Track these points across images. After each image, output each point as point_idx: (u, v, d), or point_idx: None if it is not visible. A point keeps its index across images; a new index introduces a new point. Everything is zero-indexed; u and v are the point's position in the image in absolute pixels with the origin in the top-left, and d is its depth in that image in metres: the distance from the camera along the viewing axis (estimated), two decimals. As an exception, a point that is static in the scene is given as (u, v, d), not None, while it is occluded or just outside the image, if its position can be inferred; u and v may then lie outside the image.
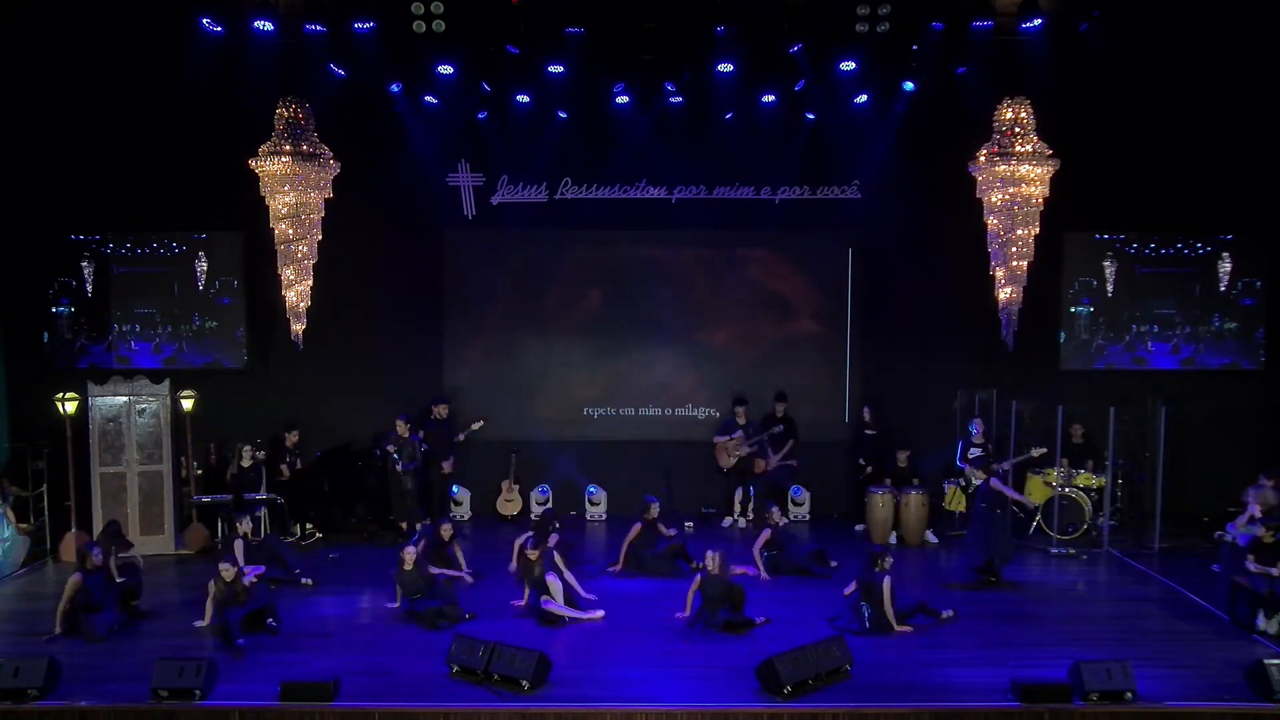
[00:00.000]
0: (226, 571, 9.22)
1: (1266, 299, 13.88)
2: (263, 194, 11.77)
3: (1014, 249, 11.76)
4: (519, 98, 12.93)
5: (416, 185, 13.70)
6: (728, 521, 13.48)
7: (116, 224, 13.84)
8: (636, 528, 11.34)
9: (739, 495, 13.46)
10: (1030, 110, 11.50)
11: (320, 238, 12.11)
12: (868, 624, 9.16)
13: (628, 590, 10.50)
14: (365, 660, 8.51)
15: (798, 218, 13.98)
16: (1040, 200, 11.58)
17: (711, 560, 9.38)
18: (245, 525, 10.79)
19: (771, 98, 12.96)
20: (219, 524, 12.47)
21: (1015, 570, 11.07)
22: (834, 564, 11.13)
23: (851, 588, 9.49)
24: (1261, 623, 9.14)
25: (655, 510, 11.39)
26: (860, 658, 8.25)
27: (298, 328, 12.35)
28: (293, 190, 11.67)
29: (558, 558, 10.00)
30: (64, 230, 13.81)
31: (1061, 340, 14.02)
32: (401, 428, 12.50)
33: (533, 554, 9.75)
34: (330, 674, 7.81)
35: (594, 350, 14.21)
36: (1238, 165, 13.35)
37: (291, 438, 12.78)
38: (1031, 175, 11.41)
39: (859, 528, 13.04)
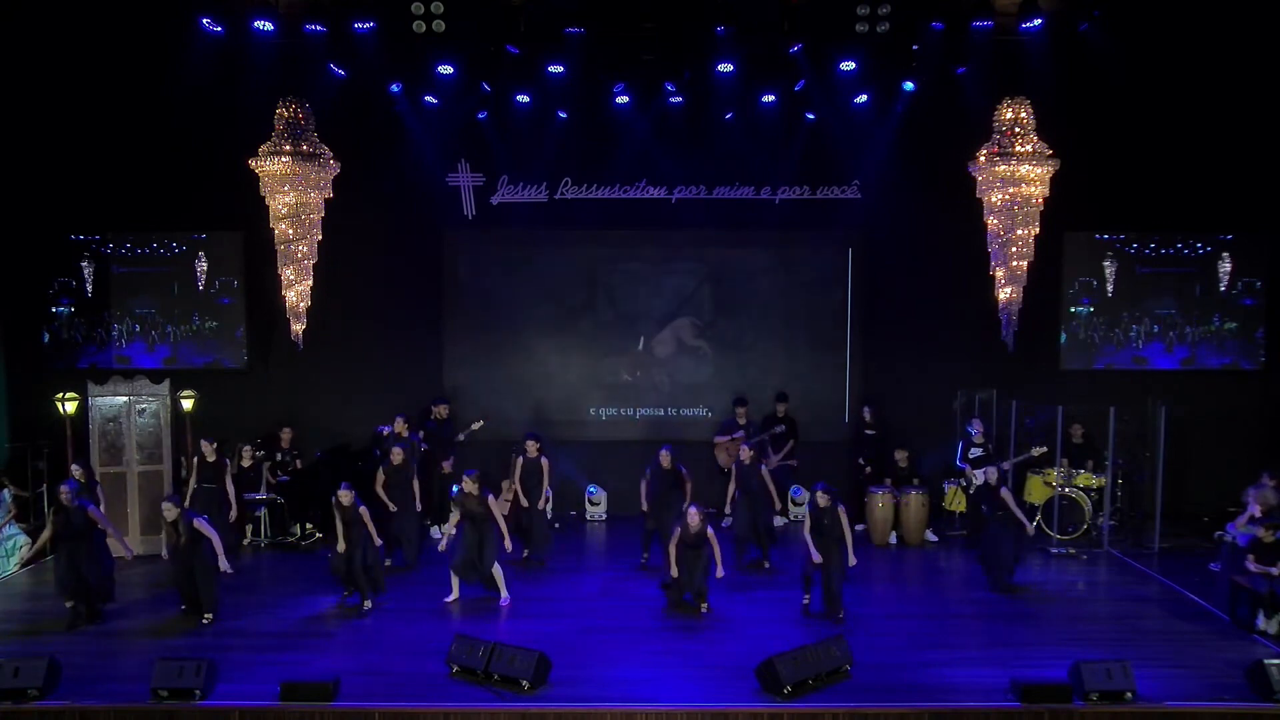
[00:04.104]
0: (169, 511, 9.42)
1: (1266, 299, 13.87)
2: (263, 194, 11.79)
3: (1014, 249, 11.77)
4: (519, 98, 12.92)
5: (416, 185, 13.71)
6: (728, 522, 13.46)
7: (116, 224, 13.85)
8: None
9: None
10: (1030, 110, 11.52)
11: (320, 238, 12.13)
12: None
13: (627, 590, 10.50)
14: (365, 660, 8.51)
15: (798, 218, 13.98)
16: (1040, 200, 11.60)
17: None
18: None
19: (771, 98, 12.96)
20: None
21: (1015, 570, 11.09)
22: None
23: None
24: (1261, 623, 9.14)
25: (667, 458, 11.29)
26: (860, 658, 8.25)
27: (298, 328, 12.37)
28: (293, 190, 11.69)
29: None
30: (64, 230, 13.82)
31: (1062, 340, 14.02)
32: (400, 425, 12.46)
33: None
34: (330, 674, 7.81)
35: (594, 350, 14.21)
36: (1237, 165, 13.35)
37: (286, 436, 12.78)
38: (1031, 175, 11.44)
39: (859, 527, 13.01)
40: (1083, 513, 12.29)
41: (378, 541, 9.96)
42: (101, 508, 10.27)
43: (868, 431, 13.38)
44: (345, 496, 9.77)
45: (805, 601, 9.81)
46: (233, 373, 13.98)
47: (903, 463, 12.75)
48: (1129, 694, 7.60)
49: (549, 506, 13.72)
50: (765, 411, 13.52)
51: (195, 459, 11.26)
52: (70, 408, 11.97)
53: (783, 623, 9.43)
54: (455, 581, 10.09)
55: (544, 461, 11.51)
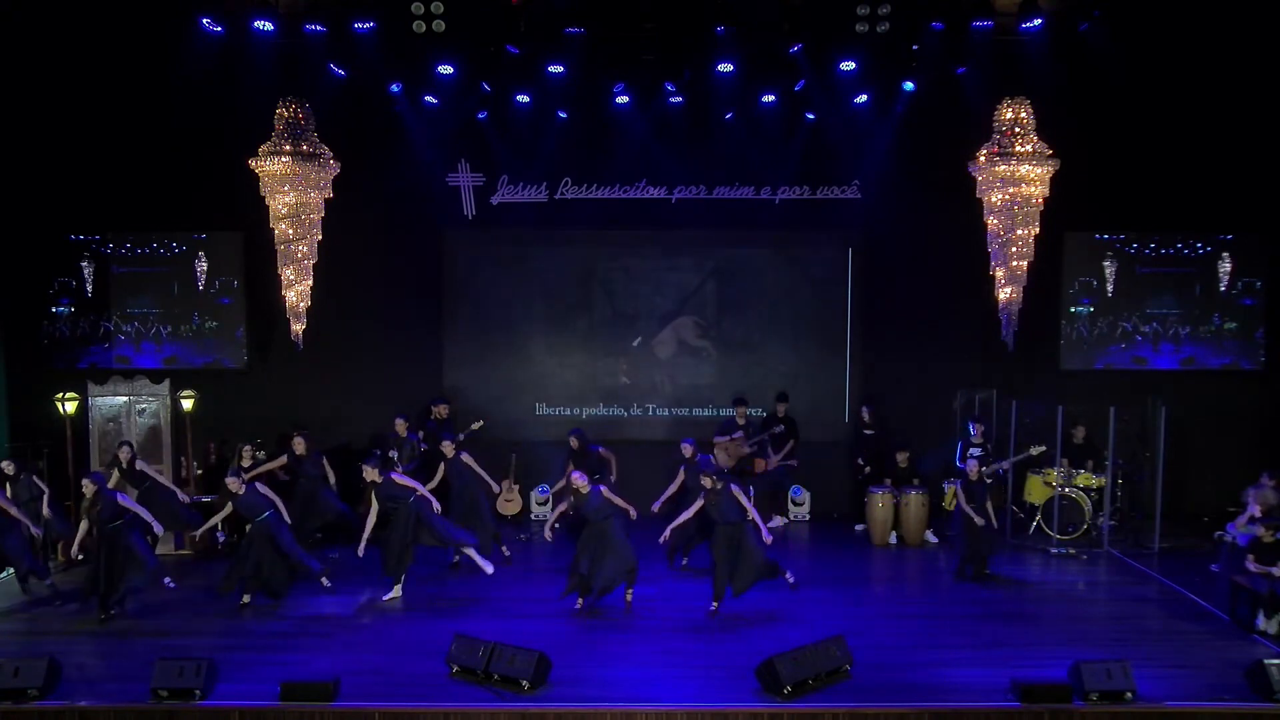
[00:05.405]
0: (87, 487, 9.51)
1: (1266, 299, 13.87)
2: (263, 194, 11.79)
3: (1014, 249, 11.77)
4: (519, 98, 12.93)
5: (416, 185, 13.71)
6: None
7: (116, 224, 13.86)
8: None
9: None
10: (1030, 110, 11.53)
11: (320, 238, 12.13)
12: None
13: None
14: (365, 660, 8.51)
15: (798, 218, 13.98)
16: (1040, 200, 11.61)
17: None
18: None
19: (771, 98, 12.97)
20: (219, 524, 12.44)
21: (1015, 570, 11.11)
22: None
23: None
24: (1261, 623, 9.13)
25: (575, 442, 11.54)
26: (860, 658, 8.25)
27: (298, 328, 12.37)
28: (293, 190, 11.70)
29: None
30: (64, 230, 13.83)
31: (1061, 340, 14.02)
32: (400, 427, 12.45)
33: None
34: (330, 674, 7.81)
35: (594, 350, 14.22)
36: (1237, 165, 13.34)
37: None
38: (1031, 175, 11.44)
39: (859, 528, 13.05)
40: (1083, 513, 12.29)
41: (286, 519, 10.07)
42: (44, 503, 10.64)
43: (866, 431, 13.38)
44: (233, 483, 9.81)
45: (713, 608, 9.57)
46: (233, 373, 13.98)
47: (903, 463, 12.75)
48: (1129, 694, 7.60)
49: (548, 507, 13.78)
50: (766, 411, 13.51)
51: (114, 469, 11.04)
52: (70, 408, 11.96)
53: (782, 623, 9.42)
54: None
55: (464, 457, 11.29)
